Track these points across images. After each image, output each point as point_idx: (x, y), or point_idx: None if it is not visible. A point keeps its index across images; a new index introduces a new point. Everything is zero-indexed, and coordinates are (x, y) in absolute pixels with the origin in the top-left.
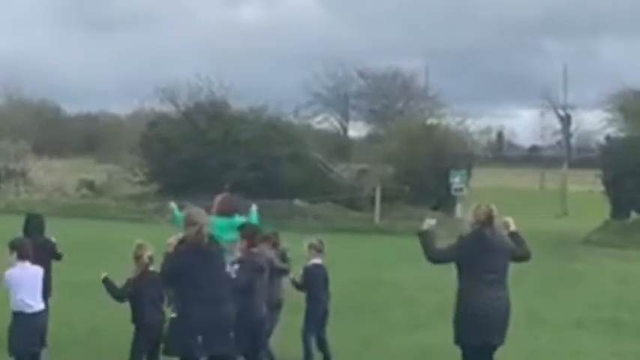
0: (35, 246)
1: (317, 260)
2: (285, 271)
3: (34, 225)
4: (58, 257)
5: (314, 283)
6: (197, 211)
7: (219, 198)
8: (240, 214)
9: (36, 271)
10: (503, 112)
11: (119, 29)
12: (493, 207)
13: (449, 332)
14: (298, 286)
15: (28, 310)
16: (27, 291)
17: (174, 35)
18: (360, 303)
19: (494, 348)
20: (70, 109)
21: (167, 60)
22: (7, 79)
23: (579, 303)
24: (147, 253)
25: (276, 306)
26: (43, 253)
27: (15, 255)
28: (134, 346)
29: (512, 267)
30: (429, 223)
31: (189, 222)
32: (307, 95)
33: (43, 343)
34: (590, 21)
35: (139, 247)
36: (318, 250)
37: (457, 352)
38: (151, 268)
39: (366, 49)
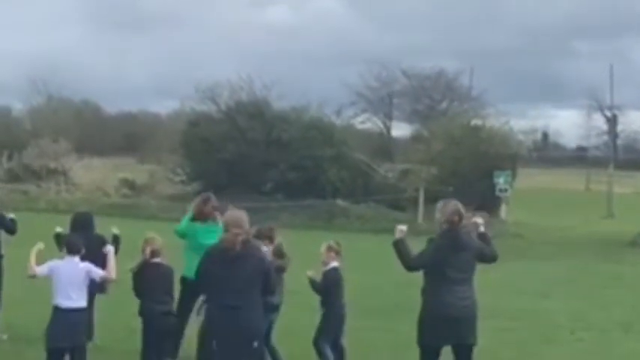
0: (85, 242)
1: (335, 263)
2: (281, 269)
3: (81, 222)
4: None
5: (332, 288)
6: (240, 216)
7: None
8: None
9: (82, 269)
10: (538, 112)
11: (148, 30)
12: (460, 204)
13: (488, 332)
14: (316, 289)
15: (64, 305)
16: (66, 286)
17: (202, 35)
18: (403, 303)
19: (469, 348)
20: (107, 108)
21: (198, 60)
22: (47, 78)
23: (626, 306)
24: (149, 247)
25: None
26: (95, 249)
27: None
28: (142, 339)
29: (561, 270)
30: (402, 230)
31: (232, 225)
32: (348, 95)
33: (73, 341)
34: (625, 21)
35: (144, 240)
36: (336, 252)
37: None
38: (157, 260)
39: (398, 49)
